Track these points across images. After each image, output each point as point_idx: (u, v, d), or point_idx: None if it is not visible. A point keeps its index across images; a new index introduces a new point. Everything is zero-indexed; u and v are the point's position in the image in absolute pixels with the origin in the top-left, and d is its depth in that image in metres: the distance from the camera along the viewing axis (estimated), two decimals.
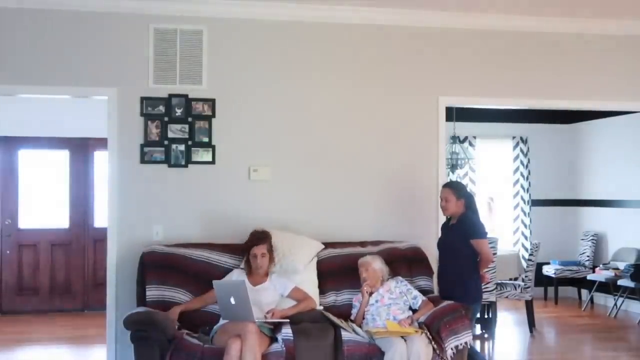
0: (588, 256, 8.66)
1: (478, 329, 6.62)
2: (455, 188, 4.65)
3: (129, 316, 4.08)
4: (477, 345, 6.39)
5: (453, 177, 8.23)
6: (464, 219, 4.54)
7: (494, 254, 6.26)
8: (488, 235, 4.68)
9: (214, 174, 5.10)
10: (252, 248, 4.44)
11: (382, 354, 3.99)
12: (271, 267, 4.53)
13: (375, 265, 4.54)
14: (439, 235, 4.91)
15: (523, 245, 9.07)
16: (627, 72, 5.69)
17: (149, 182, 5.02)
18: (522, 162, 9.20)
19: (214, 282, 4.18)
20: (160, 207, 5.03)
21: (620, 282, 7.66)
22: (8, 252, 7.82)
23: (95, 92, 5.10)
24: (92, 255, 7.97)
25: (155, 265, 4.56)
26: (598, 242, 8.72)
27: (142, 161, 5.00)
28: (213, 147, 5.09)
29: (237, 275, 4.46)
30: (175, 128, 5.05)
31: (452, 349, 4.11)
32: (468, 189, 4.76)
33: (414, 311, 4.41)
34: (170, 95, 5.05)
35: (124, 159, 4.99)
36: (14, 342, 6.47)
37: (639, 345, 6.75)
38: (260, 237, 4.49)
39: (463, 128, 8.30)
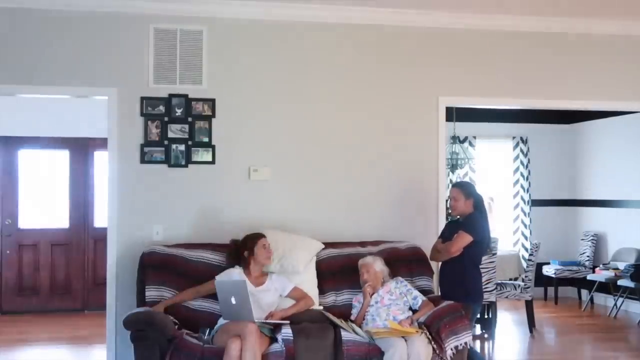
0: (588, 256, 8.66)
1: (478, 329, 6.62)
2: (464, 188, 4.64)
3: (129, 316, 4.08)
4: (477, 345, 6.40)
5: (453, 177, 8.24)
6: (470, 217, 4.53)
7: (494, 254, 6.27)
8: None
9: (214, 174, 5.10)
10: (260, 239, 4.46)
11: (382, 354, 3.99)
12: (269, 267, 4.53)
13: (376, 267, 4.54)
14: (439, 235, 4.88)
15: (523, 245, 9.07)
16: (627, 72, 5.69)
17: (149, 182, 5.02)
18: (522, 162, 9.20)
19: (216, 281, 4.19)
20: (160, 207, 5.03)
21: (620, 282, 7.65)
22: (8, 252, 7.82)
23: (95, 92, 5.10)
24: (92, 255, 7.97)
25: (155, 266, 4.56)
26: (598, 242, 8.72)
27: (142, 161, 5.00)
28: (213, 147, 5.09)
29: (238, 275, 4.44)
30: (175, 128, 5.05)
31: (451, 349, 4.10)
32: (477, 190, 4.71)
33: (414, 312, 4.41)
34: (170, 95, 5.05)
35: (124, 159, 4.99)
36: (14, 342, 6.46)
37: (639, 346, 6.75)
38: (261, 233, 4.53)
39: (463, 128, 8.30)
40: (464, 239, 4.39)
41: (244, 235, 4.57)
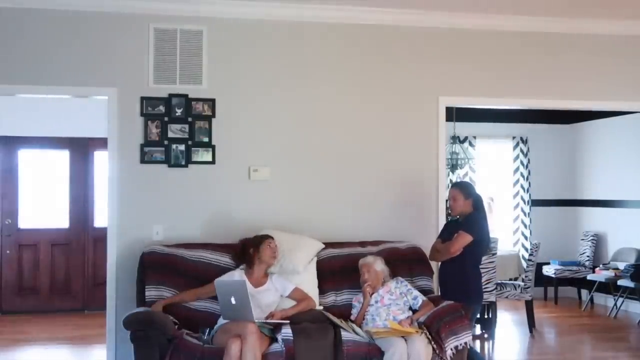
0: (588, 256, 8.66)
1: (478, 329, 6.62)
2: (463, 188, 4.64)
3: (128, 316, 4.08)
4: (477, 345, 6.40)
5: (453, 177, 8.24)
6: (469, 217, 4.53)
7: (494, 254, 6.27)
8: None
9: (214, 174, 5.10)
10: (267, 240, 4.48)
11: (382, 354, 3.99)
12: (271, 267, 4.53)
13: (376, 267, 4.54)
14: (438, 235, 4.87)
15: (523, 245, 9.08)
16: (627, 72, 5.69)
17: (149, 182, 5.02)
18: (522, 162, 9.21)
19: (216, 280, 4.19)
20: (160, 207, 5.03)
21: (620, 282, 7.66)
22: (8, 252, 7.82)
23: (95, 92, 5.10)
24: (92, 255, 7.97)
25: (155, 266, 4.56)
26: (598, 242, 8.72)
27: (142, 161, 5.00)
28: (213, 147, 5.09)
29: (238, 276, 4.45)
30: (175, 128, 5.05)
31: (451, 349, 4.10)
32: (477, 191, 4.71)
33: (414, 311, 4.41)
34: (170, 95, 5.05)
35: (124, 159, 4.99)
36: (14, 342, 6.47)
37: (639, 345, 6.76)
38: (270, 235, 4.55)
39: (463, 128, 8.30)
40: (463, 239, 4.39)
41: (253, 235, 4.61)
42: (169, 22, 5.05)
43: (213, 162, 5.09)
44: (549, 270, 8.71)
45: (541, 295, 8.79)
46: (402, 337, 4.05)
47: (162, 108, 5.03)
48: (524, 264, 7.29)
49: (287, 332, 4.07)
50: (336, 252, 4.88)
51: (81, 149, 8.03)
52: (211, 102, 5.09)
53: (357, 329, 4.23)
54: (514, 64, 5.53)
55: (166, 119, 5.03)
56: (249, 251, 4.48)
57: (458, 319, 4.18)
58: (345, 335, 4.12)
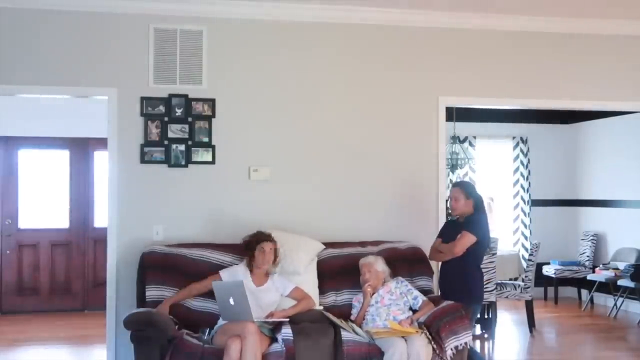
0: (588, 256, 8.66)
1: (478, 329, 6.62)
2: (465, 187, 4.64)
3: (129, 316, 4.08)
4: (477, 345, 6.39)
5: (453, 177, 8.24)
6: (473, 218, 4.53)
7: (494, 254, 6.27)
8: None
9: (214, 174, 5.10)
10: (263, 242, 4.43)
11: (382, 354, 3.99)
12: (272, 268, 4.53)
13: (378, 267, 4.54)
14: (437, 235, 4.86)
15: (523, 245, 9.07)
16: (627, 72, 5.69)
17: (149, 182, 5.02)
18: (522, 162, 9.20)
19: (213, 283, 4.19)
20: (160, 207, 5.03)
21: (620, 282, 7.65)
22: (8, 252, 7.82)
23: (95, 92, 5.10)
24: (92, 255, 7.97)
25: (155, 266, 4.56)
26: (598, 242, 8.72)
27: (142, 161, 5.01)
28: (213, 147, 5.09)
29: (242, 272, 4.44)
30: (175, 128, 5.05)
31: (451, 349, 4.10)
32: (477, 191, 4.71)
33: (415, 311, 4.41)
34: (170, 95, 5.05)
35: (124, 159, 5.00)
36: (14, 342, 6.46)
37: (639, 346, 6.75)
38: (270, 236, 4.50)
39: (463, 128, 8.30)
40: (468, 239, 4.40)
41: (255, 231, 4.56)
42: (169, 22, 5.05)
43: (213, 162, 5.10)
44: (549, 270, 8.71)
45: (541, 295, 8.79)
46: (402, 337, 4.05)
47: (162, 108, 5.03)
48: (524, 264, 7.29)
49: (287, 332, 4.07)
50: (336, 252, 4.88)
51: (81, 149, 8.03)
52: (211, 102, 5.09)
53: (357, 329, 4.23)
54: (514, 64, 5.53)
55: (166, 119, 5.03)
56: (247, 253, 4.49)
57: (458, 319, 4.18)
58: (345, 335, 4.12)
